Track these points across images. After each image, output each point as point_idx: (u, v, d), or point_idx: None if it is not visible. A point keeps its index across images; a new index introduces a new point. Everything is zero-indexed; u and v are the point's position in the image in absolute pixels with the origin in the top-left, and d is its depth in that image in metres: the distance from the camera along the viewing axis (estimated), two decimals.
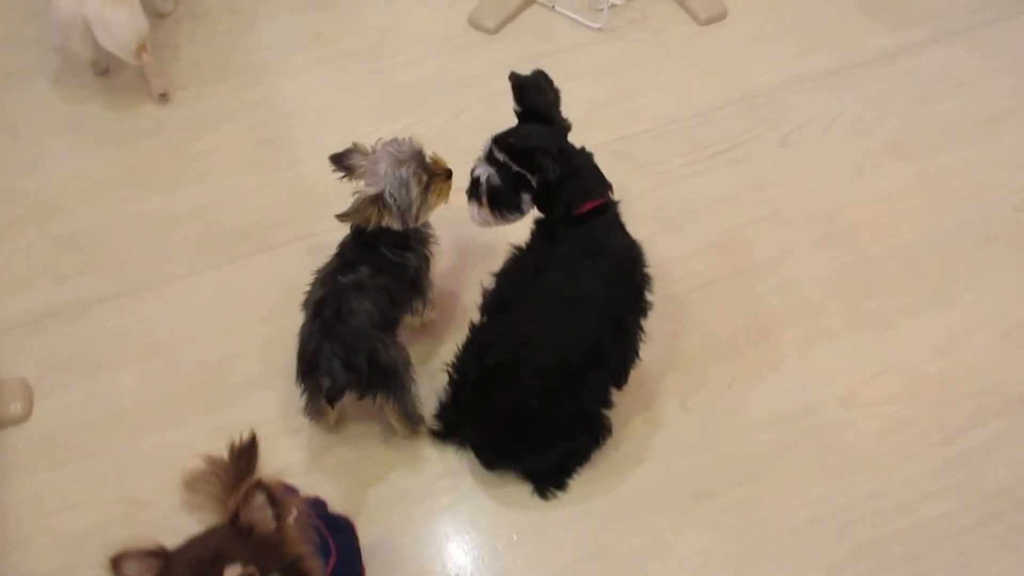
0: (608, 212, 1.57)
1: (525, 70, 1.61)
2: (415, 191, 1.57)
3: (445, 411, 1.73)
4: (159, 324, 1.93)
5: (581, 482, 1.71)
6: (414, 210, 1.59)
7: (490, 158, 1.54)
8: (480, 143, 1.57)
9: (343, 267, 1.62)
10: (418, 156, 1.59)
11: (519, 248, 1.63)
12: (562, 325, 1.51)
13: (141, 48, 2.15)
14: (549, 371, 1.50)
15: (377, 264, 1.61)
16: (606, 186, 1.58)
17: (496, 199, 1.55)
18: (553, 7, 2.58)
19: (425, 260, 1.70)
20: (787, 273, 2.02)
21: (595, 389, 1.59)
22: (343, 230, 1.68)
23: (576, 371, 1.50)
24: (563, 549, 1.65)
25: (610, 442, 1.70)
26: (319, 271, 1.66)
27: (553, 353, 1.49)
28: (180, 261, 2.03)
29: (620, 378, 1.63)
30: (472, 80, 2.40)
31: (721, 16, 2.56)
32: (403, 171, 1.56)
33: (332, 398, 1.55)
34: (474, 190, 1.57)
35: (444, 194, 1.63)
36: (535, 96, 1.56)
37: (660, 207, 2.13)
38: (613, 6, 2.51)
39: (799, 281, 2.00)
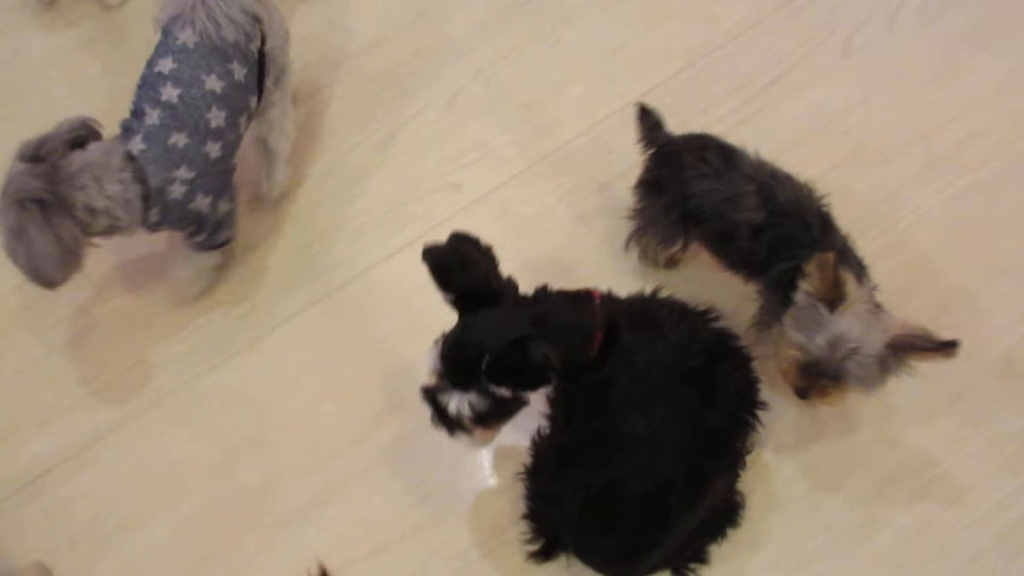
0: (618, 328, 1.23)
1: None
2: None
3: (536, 519, 1.43)
4: (175, 452, 1.60)
5: (720, 547, 1.43)
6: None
7: (455, 380, 1.18)
8: None
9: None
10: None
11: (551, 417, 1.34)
12: (645, 467, 1.24)
13: None
14: (650, 512, 1.24)
15: None
16: (589, 306, 1.25)
17: (489, 417, 1.20)
18: None
19: None
20: (894, 224, 1.69)
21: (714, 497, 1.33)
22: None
23: (686, 501, 1.25)
24: None
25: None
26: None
27: (647, 497, 1.23)
28: (175, 366, 1.67)
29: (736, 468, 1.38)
30: (458, 51, 1.97)
31: None
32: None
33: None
34: (451, 424, 1.22)
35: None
36: (464, 273, 1.21)
37: None
38: None
39: (912, 231, 1.68)
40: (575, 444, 1.28)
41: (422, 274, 1.70)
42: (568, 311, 1.23)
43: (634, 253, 1.64)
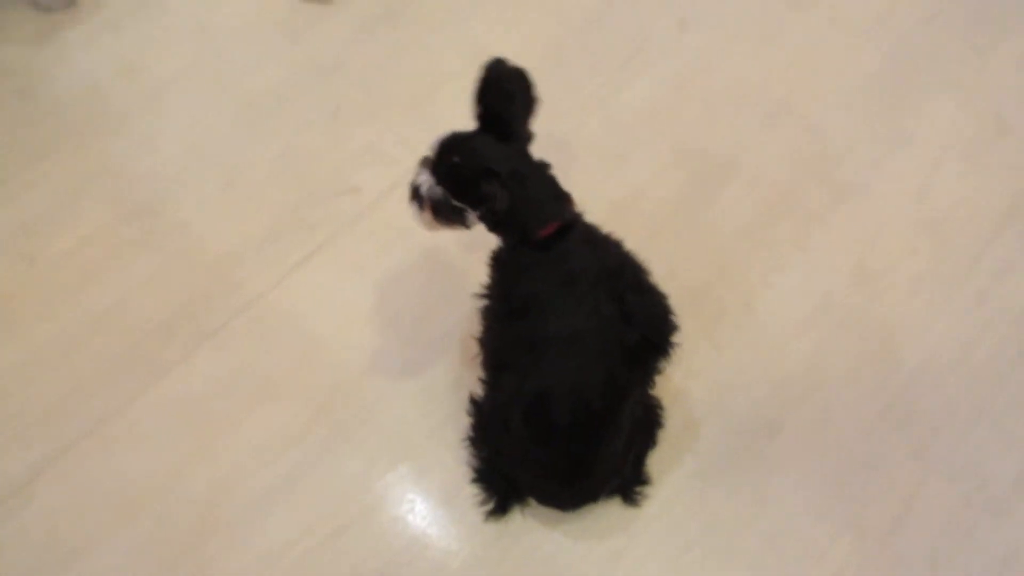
0: (574, 231, 1.36)
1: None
2: None
3: (485, 479, 1.55)
4: (119, 474, 1.61)
5: (655, 468, 1.59)
6: None
7: (434, 167, 1.36)
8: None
9: None
10: None
11: (487, 295, 1.44)
12: (569, 370, 1.34)
13: None
14: (579, 419, 1.35)
15: None
16: (564, 200, 1.37)
17: (439, 210, 1.37)
18: None
19: None
20: (749, 167, 1.92)
21: (633, 407, 1.45)
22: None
23: (606, 407, 1.36)
24: (675, 539, 1.54)
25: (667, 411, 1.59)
26: None
27: (574, 402, 1.34)
28: (106, 392, 1.68)
29: (647, 382, 1.51)
30: (332, 65, 2.09)
31: None
32: None
33: None
34: (415, 195, 1.40)
35: None
36: (499, 101, 1.33)
37: (595, 142, 1.96)
38: None
39: (764, 172, 1.91)
40: (507, 347, 1.39)
41: (339, 277, 1.80)
42: (546, 189, 1.36)
43: None
